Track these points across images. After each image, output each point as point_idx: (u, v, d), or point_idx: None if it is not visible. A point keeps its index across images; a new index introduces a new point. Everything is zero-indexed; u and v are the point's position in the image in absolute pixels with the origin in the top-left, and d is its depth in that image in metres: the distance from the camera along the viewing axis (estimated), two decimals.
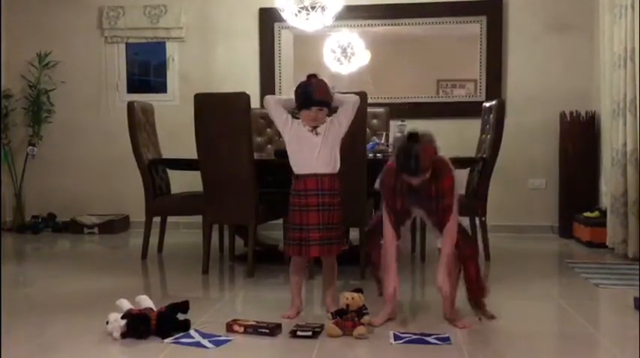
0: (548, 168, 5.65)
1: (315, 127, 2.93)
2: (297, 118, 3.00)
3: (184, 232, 5.66)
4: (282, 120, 2.98)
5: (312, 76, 2.93)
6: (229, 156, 3.86)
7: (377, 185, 2.88)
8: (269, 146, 5.23)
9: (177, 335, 2.68)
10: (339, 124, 2.97)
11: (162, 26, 6.07)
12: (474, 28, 5.78)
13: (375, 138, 4.75)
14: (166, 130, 5.19)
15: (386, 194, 2.83)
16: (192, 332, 2.73)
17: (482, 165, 4.42)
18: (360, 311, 2.75)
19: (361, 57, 5.87)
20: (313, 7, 4.77)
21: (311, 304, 3.34)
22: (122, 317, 2.69)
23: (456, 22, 5.75)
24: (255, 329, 2.74)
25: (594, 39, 5.46)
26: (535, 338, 2.72)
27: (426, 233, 4.36)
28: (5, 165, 6.17)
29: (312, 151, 2.92)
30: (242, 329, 2.75)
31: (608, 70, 4.81)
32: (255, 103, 4.87)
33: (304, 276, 3.21)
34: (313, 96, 2.89)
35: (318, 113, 2.90)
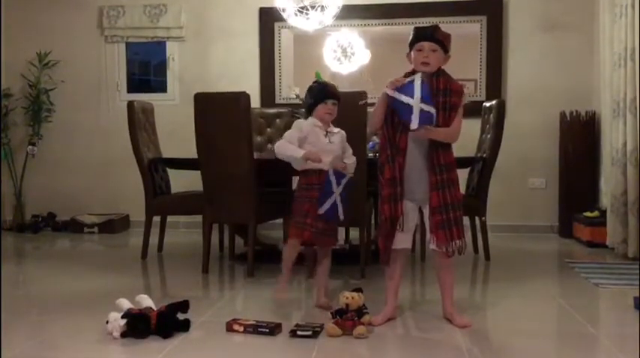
0: (548, 168, 5.65)
1: (327, 132, 3.04)
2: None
3: (184, 231, 5.66)
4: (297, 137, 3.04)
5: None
6: (229, 156, 3.86)
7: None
8: (269, 145, 5.23)
9: None
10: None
11: (162, 26, 6.07)
12: (474, 27, 5.77)
13: (375, 137, 4.74)
14: (166, 130, 5.19)
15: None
16: None
17: (482, 165, 4.42)
18: (360, 311, 2.75)
19: (361, 56, 5.87)
20: (313, 7, 4.78)
21: (310, 303, 3.34)
22: (122, 317, 2.69)
23: (456, 22, 5.73)
24: (255, 329, 2.74)
25: (594, 38, 5.46)
26: (535, 338, 2.72)
27: (426, 233, 4.35)
28: (5, 165, 6.17)
29: (328, 156, 3.02)
30: (242, 329, 2.75)
31: (609, 69, 4.81)
32: (255, 103, 4.88)
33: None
34: (331, 89, 3.07)
35: (333, 108, 3.05)
